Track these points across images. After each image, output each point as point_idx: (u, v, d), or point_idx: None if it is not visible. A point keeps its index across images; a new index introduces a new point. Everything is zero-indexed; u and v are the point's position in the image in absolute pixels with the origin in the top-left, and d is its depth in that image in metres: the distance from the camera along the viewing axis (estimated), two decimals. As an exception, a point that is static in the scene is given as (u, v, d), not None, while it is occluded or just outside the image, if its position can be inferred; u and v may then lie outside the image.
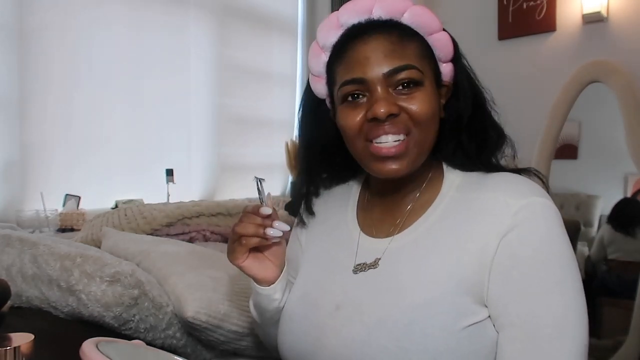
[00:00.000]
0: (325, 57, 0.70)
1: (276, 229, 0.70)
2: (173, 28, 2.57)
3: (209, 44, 2.73)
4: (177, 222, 1.54)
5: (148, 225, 1.48)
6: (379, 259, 0.69)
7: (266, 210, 0.70)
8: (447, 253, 0.64)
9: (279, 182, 3.21)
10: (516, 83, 2.73)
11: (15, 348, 0.51)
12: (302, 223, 0.85)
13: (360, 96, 0.66)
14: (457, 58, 0.70)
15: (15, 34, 1.92)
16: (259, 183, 0.70)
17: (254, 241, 0.70)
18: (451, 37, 0.70)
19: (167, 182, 2.35)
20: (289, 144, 2.95)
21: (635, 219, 2.46)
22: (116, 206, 2.18)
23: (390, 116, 0.63)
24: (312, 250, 0.81)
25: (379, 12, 0.65)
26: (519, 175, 0.68)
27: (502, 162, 0.72)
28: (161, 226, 1.50)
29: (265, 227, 0.70)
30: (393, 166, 0.65)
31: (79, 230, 1.84)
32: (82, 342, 0.55)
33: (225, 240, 1.60)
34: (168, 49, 2.54)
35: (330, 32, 0.69)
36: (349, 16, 0.67)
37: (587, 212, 2.66)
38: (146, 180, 2.41)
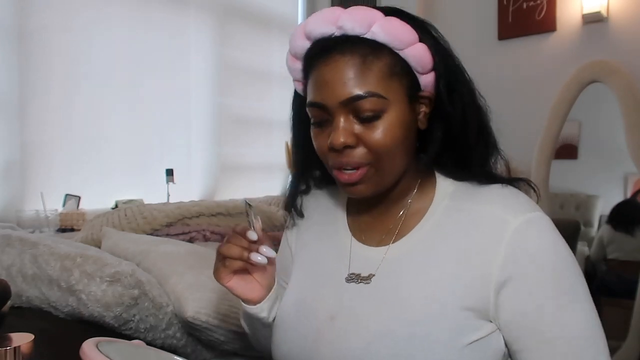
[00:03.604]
0: (299, 65, 0.68)
1: (262, 255, 0.67)
2: (173, 28, 2.57)
3: (209, 44, 2.73)
4: (177, 222, 1.54)
5: (148, 225, 1.48)
6: (373, 275, 0.67)
7: (252, 235, 0.68)
8: (446, 267, 0.62)
9: (279, 182, 3.22)
10: (516, 83, 2.73)
11: (15, 348, 0.51)
12: (292, 224, 0.84)
13: (324, 121, 0.64)
14: (437, 68, 0.65)
15: (15, 34, 1.92)
16: (247, 207, 0.67)
17: (237, 264, 0.68)
18: (439, 45, 0.65)
19: (167, 182, 2.36)
20: (289, 144, 2.95)
21: (635, 219, 2.46)
22: (116, 206, 2.18)
23: (347, 147, 0.62)
24: (303, 255, 0.79)
25: (345, 24, 0.61)
26: (512, 187, 0.66)
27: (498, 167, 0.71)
28: (161, 226, 1.50)
29: (251, 251, 0.68)
30: (358, 188, 0.64)
31: (79, 230, 1.84)
32: (82, 342, 0.55)
33: (225, 240, 1.60)
34: (168, 49, 2.54)
35: (298, 43, 0.66)
36: (314, 27, 0.63)
37: (587, 212, 2.66)
38: (146, 180, 2.41)
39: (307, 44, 0.66)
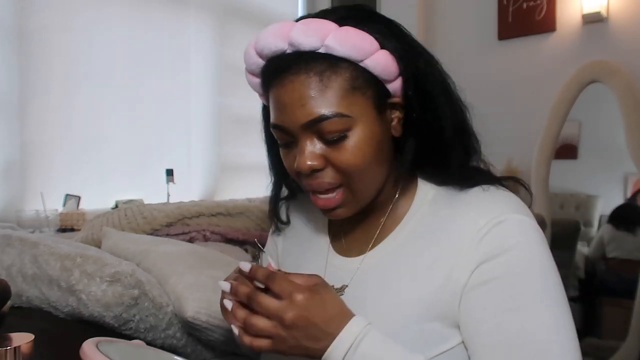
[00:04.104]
0: (258, 80, 0.65)
1: None
2: (173, 28, 2.57)
3: (209, 44, 2.73)
4: (177, 222, 1.54)
5: (148, 225, 1.48)
6: (346, 286, 0.65)
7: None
8: (416, 277, 0.60)
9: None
10: (516, 83, 2.73)
11: (15, 348, 0.51)
12: (277, 230, 0.82)
13: (290, 142, 0.61)
14: (403, 73, 0.60)
15: (15, 34, 1.92)
16: (259, 250, 0.61)
17: None
18: (404, 48, 0.60)
19: (167, 182, 2.36)
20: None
21: (637, 219, 2.47)
22: (116, 206, 2.18)
23: (315, 171, 0.59)
24: (287, 261, 0.78)
25: (296, 39, 0.56)
26: (496, 188, 0.62)
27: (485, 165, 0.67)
28: (161, 226, 1.50)
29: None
30: (337, 212, 0.62)
31: (79, 230, 1.84)
32: (82, 342, 0.55)
33: (225, 240, 1.60)
34: (168, 49, 2.54)
35: (252, 60, 0.62)
36: (265, 44, 0.59)
37: (587, 212, 2.67)
38: (146, 180, 2.41)
39: (260, 62, 0.62)
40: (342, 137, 0.57)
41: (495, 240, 0.57)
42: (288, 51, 0.58)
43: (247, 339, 0.55)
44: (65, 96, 2.12)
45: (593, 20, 2.51)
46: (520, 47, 2.76)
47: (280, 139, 0.62)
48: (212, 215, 1.62)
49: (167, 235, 1.49)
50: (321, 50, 0.57)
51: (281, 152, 0.64)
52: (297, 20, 0.59)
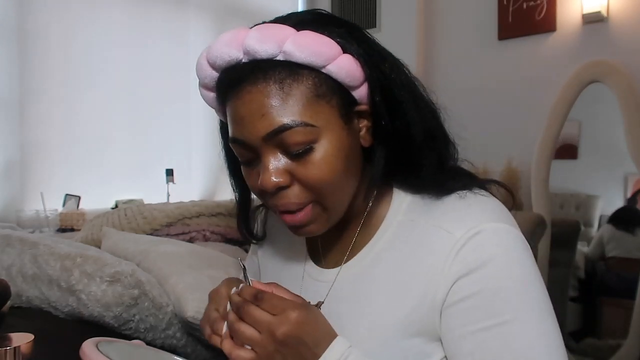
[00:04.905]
0: (213, 94, 0.60)
1: None
2: (173, 28, 2.57)
3: (208, 44, 2.74)
4: (177, 222, 1.54)
5: (148, 225, 1.48)
6: (322, 302, 0.63)
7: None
8: (393, 292, 0.57)
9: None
10: (516, 83, 2.73)
11: (15, 348, 0.51)
12: (254, 243, 0.79)
13: (251, 159, 0.56)
14: (369, 78, 0.56)
15: (15, 34, 1.92)
16: (243, 269, 0.57)
17: None
18: (368, 52, 0.56)
19: (167, 182, 2.36)
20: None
21: (636, 219, 2.47)
22: (116, 206, 2.18)
23: (281, 188, 0.54)
24: (267, 272, 0.76)
25: (252, 47, 0.52)
26: (473, 195, 0.58)
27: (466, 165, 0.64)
28: (161, 226, 1.50)
29: None
30: (307, 230, 0.58)
31: (79, 230, 1.84)
32: (82, 342, 0.55)
33: (225, 240, 1.60)
34: (168, 48, 2.54)
35: (206, 73, 0.58)
36: (218, 54, 0.55)
37: (587, 212, 2.67)
38: (146, 180, 2.42)
39: (215, 74, 0.57)
40: (308, 149, 0.53)
41: (472, 253, 0.54)
42: (244, 60, 0.54)
43: (227, 345, 0.53)
44: (65, 96, 2.12)
45: (593, 20, 2.51)
46: (520, 47, 2.76)
47: (240, 156, 0.57)
48: (212, 215, 1.62)
49: (167, 235, 1.49)
50: (279, 58, 0.53)
51: (243, 170, 0.59)
52: (253, 27, 0.56)
